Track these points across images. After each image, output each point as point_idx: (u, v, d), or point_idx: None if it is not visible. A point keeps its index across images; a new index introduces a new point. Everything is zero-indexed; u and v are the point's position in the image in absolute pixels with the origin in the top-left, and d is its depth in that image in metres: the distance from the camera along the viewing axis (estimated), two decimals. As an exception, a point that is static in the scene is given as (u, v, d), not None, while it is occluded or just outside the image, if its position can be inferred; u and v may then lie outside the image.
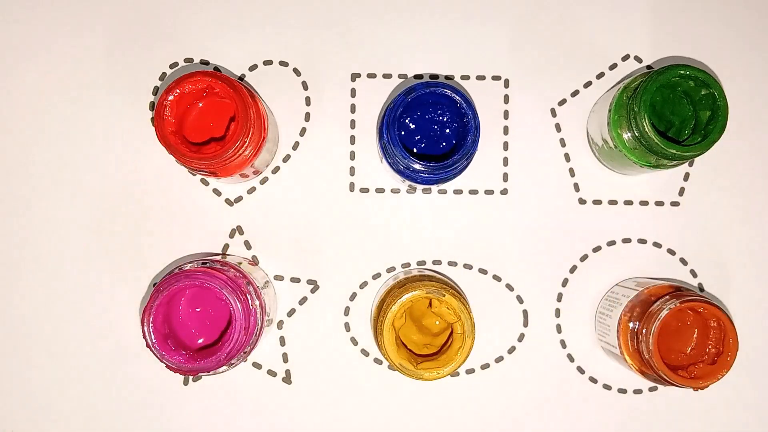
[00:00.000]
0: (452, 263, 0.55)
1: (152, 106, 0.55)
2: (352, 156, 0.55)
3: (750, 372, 0.54)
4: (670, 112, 0.50)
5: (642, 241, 0.55)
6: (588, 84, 0.56)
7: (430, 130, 0.51)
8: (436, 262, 0.55)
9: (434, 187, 0.55)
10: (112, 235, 0.55)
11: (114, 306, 0.54)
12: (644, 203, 0.55)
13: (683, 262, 0.55)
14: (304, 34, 0.55)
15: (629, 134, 0.49)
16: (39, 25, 0.55)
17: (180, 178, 0.55)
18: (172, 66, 0.55)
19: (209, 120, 0.50)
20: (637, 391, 0.55)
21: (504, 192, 0.55)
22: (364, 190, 0.55)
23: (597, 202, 0.55)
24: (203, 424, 0.54)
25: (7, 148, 0.55)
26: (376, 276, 0.55)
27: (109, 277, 0.55)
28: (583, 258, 0.55)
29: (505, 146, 0.55)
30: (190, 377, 0.54)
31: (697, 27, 0.56)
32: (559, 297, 0.55)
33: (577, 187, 0.55)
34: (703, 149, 0.47)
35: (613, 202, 0.55)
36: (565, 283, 0.55)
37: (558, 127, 0.55)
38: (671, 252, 0.55)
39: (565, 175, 0.55)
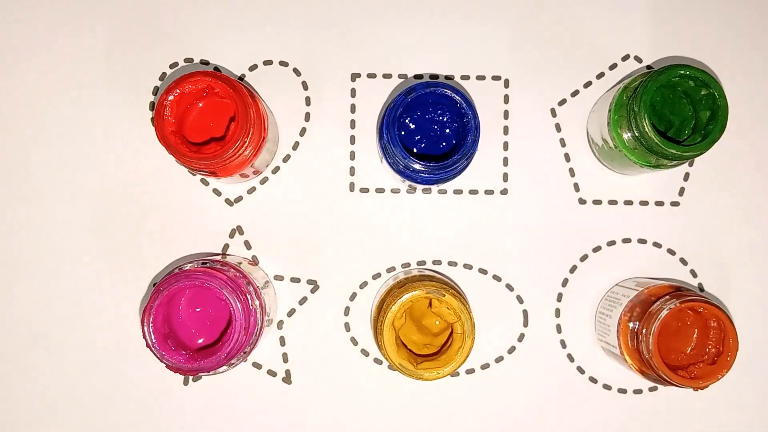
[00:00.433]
0: (452, 263, 0.55)
1: (152, 106, 0.55)
2: (352, 156, 0.55)
3: (750, 372, 0.54)
4: (670, 112, 0.50)
5: (642, 241, 0.55)
6: (588, 84, 0.56)
7: (430, 130, 0.51)
8: (436, 262, 0.55)
9: (434, 187, 0.55)
10: (112, 235, 0.55)
11: (114, 306, 0.54)
12: (644, 203, 0.55)
13: (683, 262, 0.55)
14: (304, 34, 0.55)
15: (629, 134, 0.49)
16: (39, 25, 0.55)
17: (180, 178, 0.55)
18: (172, 66, 0.55)
19: (209, 120, 0.50)
20: (637, 391, 0.55)
21: (504, 192, 0.55)
22: (364, 190, 0.55)
23: (597, 202, 0.55)
24: (203, 424, 0.54)
25: (7, 148, 0.55)
26: (376, 276, 0.55)
27: (109, 277, 0.55)
28: (583, 258, 0.55)
29: (505, 146, 0.55)
30: (190, 377, 0.54)
31: (697, 27, 0.56)
32: (559, 297, 0.55)
33: (577, 187, 0.55)
34: (703, 149, 0.47)
35: (613, 202, 0.55)
36: (565, 283, 0.55)
37: (558, 127, 0.55)
38: (671, 252, 0.55)
39: (565, 175, 0.55)
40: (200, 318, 0.50)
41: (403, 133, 0.50)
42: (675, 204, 0.55)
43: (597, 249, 0.55)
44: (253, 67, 0.55)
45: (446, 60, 0.55)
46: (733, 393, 0.54)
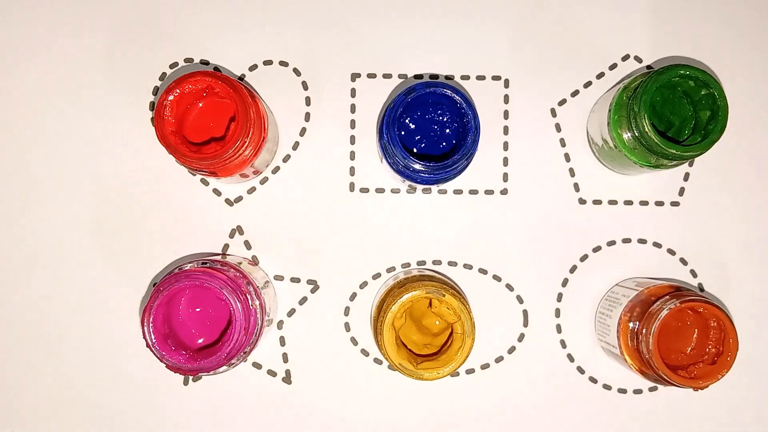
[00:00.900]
0: (452, 263, 0.55)
1: (152, 106, 0.55)
2: (352, 156, 0.55)
3: (750, 372, 0.54)
4: (670, 112, 0.50)
5: (642, 241, 0.55)
6: (588, 84, 0.56)
7: (430, 130, 0.51)
8: (436, 262, 0.55)
9: (434, 187, 0.55)
10: (112, 235, 0.55)
11: (114, 306, 0.54)
12: (644, 203, 0.55)
13: (683, 262, 0.55)
14: (304, 34, 0.55)
15: (629, 134, 0.49)
16: (39, 25, 0.55)
17: (180, 178, 0.55)
18: (172, 66, 0.55)
19: (209, 120, 0.50)
20: (637, 391, 0.55)
21: (504, 192, 0.55)
22: (364, 190, 0.55)
23: (597, 202, 0.55)
24: (203, 424, 0.54)
25: (7, 148, 0.55)
26: (376, 276, 0.55)
27: (109, 277, 0.55)
28: (583, 258, 0.55)
29: (505, 146, 0.55)
30: (190, 377, 0.54)
31: (697, 27, 0.56)
32: (559, 297, 0.55)
33: (577, 187, 0.55)
34: (703, 149, 0.47)
35: (613, 202, 0.55)
36: (565, 283, 0.55)
37: (558, 127, 0.55)
38: (671, 252, 0.55)
39: (565, 175, 0.55)
40: (200, 318, 0.50)
41: (403, 133, 0.50)
42: (675, 204, 0.55)
43: (597, 249, 0.55)
44: (253, 67, 0.55)
45: (446, 60, 0.55)
46: (733, 393, 0.54)
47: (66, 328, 0.54)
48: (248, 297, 0.48)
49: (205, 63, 0.55)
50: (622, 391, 0.55)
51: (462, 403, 0.55)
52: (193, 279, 0.46)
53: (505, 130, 0.55)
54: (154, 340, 0.47)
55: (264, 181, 0.55)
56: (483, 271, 0.55)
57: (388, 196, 0.55)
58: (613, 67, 0.56)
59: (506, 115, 0.55)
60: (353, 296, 0.55)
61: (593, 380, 0.55)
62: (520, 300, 0.55)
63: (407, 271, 0.55)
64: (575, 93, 0.55)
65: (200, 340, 0.50)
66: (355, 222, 0.55)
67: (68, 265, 0.54)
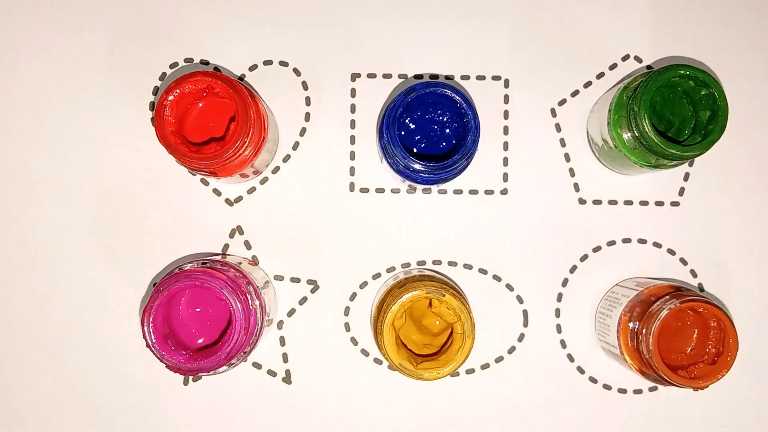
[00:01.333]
0: (452, 263, 0.55)
1: (152, 106, 0.55)
2: (352, 156, 0.55)
3: (750, 372, 0.54)
4: (670, 112, 0.50)
5: (642, 241, 0.55)
6: (588, 84, 0.56)
7: (430, 130, 0.51)
8: (436, 262, 0.55)
9: (434, 187, 0.55)
10: (112, 235, 0.55)
11: (114, 306, 0.54)
12: (644, 203, 0.55)
13: (683, 262, 0.55)
14: (304, 34, 0.55)
15: (629, 134, 0.49)
16: (39, 25, 0.55)
17: (180, 178, 0.55)
18: (172, 66, 0.55)
19: (209, 120, 0.50)
20: (637, 391, 0.55)
21: (504, 192, 0.55)
22: (364, 190, 0.55)
23: (597, 202, 0.55)
24: (203, 424, 0.54)
25: (7, 148, 0.55)
26: (376, 276, 0.55)
27: (109, 277, 0.55)
28: (583, 258, 0.55)
29: (505, 146, 0.55)
30: (190, 377, 0.54)
31: (697, 27, 0.56)
32: (559, 297, 0.55)
33: (577, 187, 0.55)
34: (703, 149, 0.47)
35: (613, 202, 0.55)
36: (565, 283, 0.55)
37: (558, 127, 0.55)
38: (671, 252, 0.55)
39: (565, 175, 0.55)
40: (200, 318, 0.50)
41: (403, 133, 0.50)
42: (675, 204, 0.55)
43: (597, 249, 0.55)
44: (253, 67, 0.55)
45: (446, 60, 0.55)
46: (733, 393, 0.54)
47: (66, 328, 0.54)
48: (248, 297, 0.48)
49: (205, 63, 0.55)
50: (622, 391, 0.55)
51: (462, 403, 0.55)
52: (193, 279, 0.46)
53: (505, 130, 0.55)
54: (154, 340, 0.47)
55: (264, 181, 0.55)
56: (483, 271, 0.55)
57: (388, 196, 0.55)
58: (613, 67, 0.56)
59: (506, 115, 0.55)
60: (353, 296, 0.55)
61: (593, 380, 0.55)
62: (520, 300, 0.55)
63: (407, 271, 0.55)
64: (575, 93, 0.55)
65: (200, 340, 0.50)
66: (355, 222, 0.55)
67: (68, 265, 0.54)
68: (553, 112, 0.56)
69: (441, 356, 0.48)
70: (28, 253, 0.55)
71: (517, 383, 0.55)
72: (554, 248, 0.55)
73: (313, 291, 0.55)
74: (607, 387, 0.55)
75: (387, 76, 0.55)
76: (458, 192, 0.55)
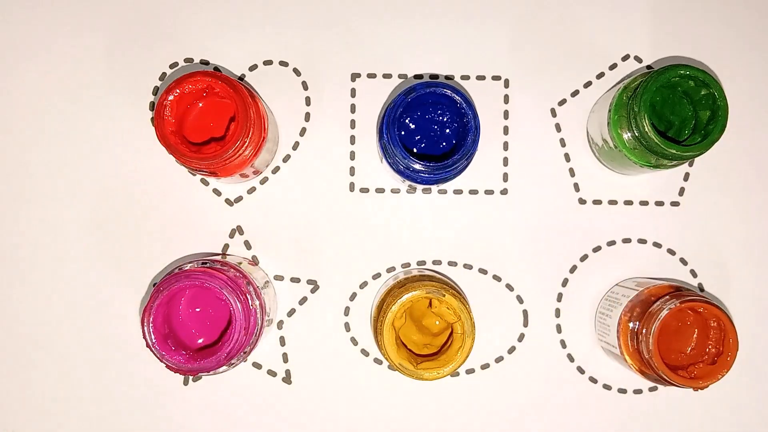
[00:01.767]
0: (452, 263, 0.55)
1: (152, 106, 0.55)
2: (352, 156, 0.55)
3: (750, 372, 0.54)
4: (670, 112, 0.50)
5: (642, 241, 0.55)
6: (588, 84, 0.56)
7: (430, 130, 0.51)
8: (436, 262, 0.55)
9: (434, 187, 0.55)
10: (112, 235, 0.55)
11: (114, 306, 0.54)
12: (644, 203, 0.55)
13: (683, 262, 0.55)
14: (304, 34, 0.55)
15: (629, 134, 0.49)
16: (39, 25, 0.55)
17: (180, 178, 0.55)
18: (172, 66, 0.55)
19: (209, 120, 0.50)
20: (637, 391, 0.55)
21: (504, 192, 0.55)
22: (364, 190, 0.55)
23: (597, 202, 0.55)
24: (203, 424, 0.54)
25: (7, 148, 0.55)
26: (376, 276, 0.55)
27: (109, 277, 0.55)
28: (583, 258, 0.55)
29: (505, 146, 0.55)
30: (190, 377, 0.54)
31: (697, 27, 0.56)
32: (559, 297, 0.55)
33: (577, 187, 0.55)
34: (703, 149, 0.47)
35: (613, 202, 0.55)
36: (565, 283, 0.55)
37: (558, 127, 0.55)
38: (671, 252, 0.55)
39: (565, 175, 0.55)
40: (200, 318, 0.50)
41: (403, 133, 0.50)
42: (675, 204, 0.55)
43: (597, 249, 0.55)
44: (253, 67, 0.55)
45: (446, 60, 0.55)
46: (733, 393, 0.54)
47: (66, 328, 0.54)
48: (248, 297, 0.48)
49: (205, 63, 0.55)
50: (622, 391, 0.55)
51: (462, 403, 0.55)
52: (193, 279, 0.46)
53: (505, 130, 0.55)
54: (154, 340, 0.47)
55: (264, 181, 0.55)
56: (483, 271, 0.55)
57: (388, 196, 0.55)
58: (613, 67, 0.56)
59: (506, 115, 0.55)
60: (353, 296, 0.55)
61: (593, 380, 0.55)
62: (520, 300, 0.55)
63: (407, 271, 0.55)
64: (575, 93, 0.55)
65: (200, 340, 0.50)
66: (355, 222, 0.55)
67: (68, 265, 0.54)
68: (553, 112, 0.56)
69: (441, 356, 0.48)
70: (28, 253, 0.55)
71: (517, 383, 0.55)
72: (554, 248, 0.55)
73: (313, 291, 0.55)
74: (607, 387, 0.55)
75: (387, 76, 0.55)
76: (458, 192, 0.55)
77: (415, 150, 0.51)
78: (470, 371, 0.55)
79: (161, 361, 0.46)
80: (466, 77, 0.55)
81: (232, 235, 0.55)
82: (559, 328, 0.55)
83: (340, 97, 0.55)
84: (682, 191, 0.55)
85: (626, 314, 0.50)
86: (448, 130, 0.51)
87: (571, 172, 0.55)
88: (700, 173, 0.55)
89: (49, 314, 0.55)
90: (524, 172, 0.55)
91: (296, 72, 0.55)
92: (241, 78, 0.55)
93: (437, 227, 0.55)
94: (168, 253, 0.55)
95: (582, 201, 0.55)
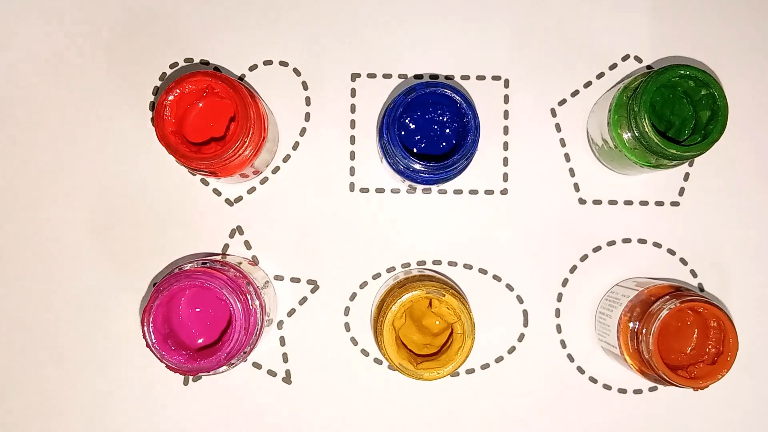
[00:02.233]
0: (452, 263, 0.55)
1: (152, 106, 0.55)
2: (352, 156, 0.55)
3: (750, 372, 0.54)
4: (670, 112, 0.50)
5: (642, 241, 0.55)
6: (588, 84, 0.56)
7: (430, 130, 0.51)
8: (436, 262, 0.55)
9: (434, 187, 0.55)
10: (112, 235, 0.55)
11: (114, 306, 0.54)
12: (644, 203, 0.55)
13: (683, 262, 0.55)
14: (304, 34, 0.55)
15: (629, 134, 0.49)
16: (39, 25, 0.55)
17: (180, 178, 0.55)
18: (172, 66, 0.55)
19: (209, 120, 0.50)
20: (637, 391, 0.55)
21: (504, 192, 0.55)
22: (364, 190, 0.55)
23: (597, 202, 0.55)
24: (203, 424, 0.54)
25: (8, 148, 0.55)
26: (376, 276, 0.55)
27: (109, 277, 0.55)
28: (583, 258, 0.55)
29: (505, 146, 0.55)
30: (190, 377, 0.54)
31: (697, 27, 0.56)
32: (559, 297, 0.55)
33: (577, 187, 0.55)
34: (703, 149, 0.47)
35: (613, 202, 0.55)
36: (565, 283, 0.55)
37: (558, 127, 0.55)
38: (671, 252, 0.55)
39: (565, 175, 0.55)
40: (200, 318, 0.50)
41: (403, 133, 0.50)
42: (675, 204, 0.55)
43: (597, 249, 0.55)
44: (253, 67, 0.55)
45: (446, 60, 0.55)
46: (733, 393, 0.54)
47: (66, 328, 0.54)
48: (248, 297, 0.48)
49: (205, 63, 0.55)
50: (622, 391, 0.55)
51: (462, 403, 0.55)
52: (193, 279, 0.46)
53: (505, 130, 0.55)
54: (154, 340, 0.47)
55: (264, 181, 0.55)
56: (483, 271, 0.55)
57: (388, 196, 0.55)
58: (613, 67, 0.56)
59: (506, 115, 0.55)
60: (353, 296, 0.55)
61: (593, 380, 0.55)
62: (520, 300, 0.55)
63: (407, 271, 0.55)
64: (575, 93, 0.55)
65: (200, 340, 0.50)
66: (355, 222, 0.55)
67: (68, 265, 0.54)
68: (553, 112, 0.56)
69: (441, 356, 0.48)
70: (28, 253, 0.55)
71: (517, 383, 0.55)
72: (554, 248, 0.55)
73: (313, 291, 0.55)
74: (607, 387, 0.55)
75: (387, 76, 0.55)
76: (458, 192, 0.55)
77: (415, 150, 0.51)
78: (470, 371, 0.55)
79: (161, 361, 0.46)
80: (466, 77, 0.55)
81: (232, 235, 0.55)
82: (559, 328, 0.55)
83: (340, 97, 0.55)
84: (682, 191, 0.55)
85: (626, 314, 0.50)
86: (448, 130, 0.51)
87: (571, 172, 0.55)
88: (700, 173, 0.55)
89: (49, 314, 0.55)
90: (524, 172, 0.55)
91: (296, 72, 0.55)
92: (241, 78, 0.55)
93: (437, 227, 0.55)
94: (168, 253, 0.55)
95: (582, 201, 0.55)
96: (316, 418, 0.54)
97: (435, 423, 0.55)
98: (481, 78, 0.55)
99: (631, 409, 0.55)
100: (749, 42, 0.55)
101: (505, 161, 0.55)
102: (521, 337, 0.55)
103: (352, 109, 0.55)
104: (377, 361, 0.55)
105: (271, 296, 0.53)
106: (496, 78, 0.55)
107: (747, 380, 0.54)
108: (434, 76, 0.55)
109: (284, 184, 0.55)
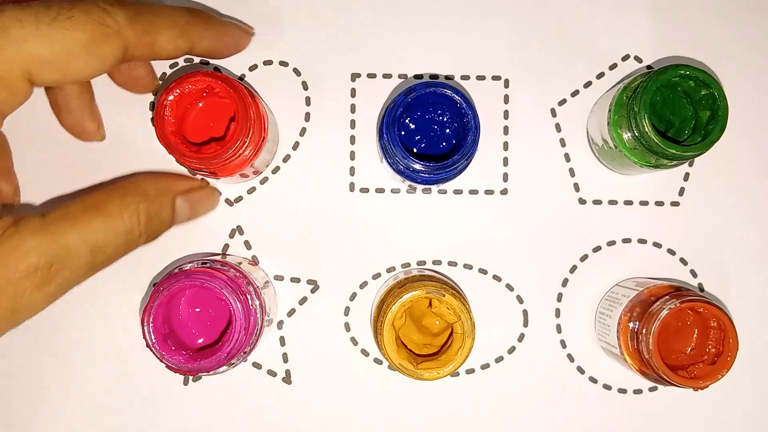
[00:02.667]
0: (452, 263, 0.55)
1: (152, 106, 0.55)
2: (352, 156, 0.55)
3: (750, 372, 0.54)
4: (670, 112, 0.50)
5: (642, 241, 0.55)
6: (588, 84, 0.56)
7: (430, 130, 0.51)
8: (436, 262, 0.55)
9: (434, 187, 0.55)
10: (112, 235, 0.54)
11: (114, 306, 0.54)
12: (644, 203, 0.55)
13: (683, 262, 0.55)
14: (304, 34, 0.55)
15: (629, 134, 0.49)
16: (39, 25, 0.55)
17: (180, 178, 0.55)
18: (172, 66, 0.55)
19: (209, 120, 0.50)
20: (637, 391, 0.55)
21: (504, 192, 0.55)
22: (364, 190, 0.55)
23: (597, 202, 0.55)
24: (203, 424, 0.54)
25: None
26: (376, 276, 0.55)
27: (109, 277, 0.54)
28: (583, 258, 0.55)
29: (505, 146, 0.55)
30: (190, 377, 0.54)
31: (697, 27, 0.56)
32: (559, 297, 0.55)
33: (577, 187, 0.55)
34: (703, 149, 0.47)
35: (613, 202, 0.55)
36: (565, 283, 0.55)
37: (558, 127, 0.55)
38: (671, 252, 0.55)
39: (565, 175, 0.55)
40: (200, 318, 0.50)
41: (403, 133, 0.50)
42: (675, 204, 0.55)
43: (597, 249, 0.55)
44: (253, 67, 0.55)
45: (446, 60, 0.55)
46: (733, 393, 0.54)
47: (66, 328, 0.54)
48: (248, 297, 0.48)
49: (205, 63, 0.55)
50: (622, 391, 0.55)
51: (462, 403, 0.55)
52: (193, 279, 0.46)
53: (505, 130, 0.55)
54: (154, 340, 0.47)
55: (264, 181, 0.55)
56: (483, 271, 0.55)
57: (388, 196, 0.55)
58: (613, 67, 0.56)
59: (506, 115, 0.55)
60: (353, 296, 0.55)
61: (593, 380, 0.55)
62: (520, 300, 0.55)
63: (407, 271, 0.55)
64: (575, 93, 0.55)
65: (200, 340, 0.50)
66: (355, 222, 0.55)
67: (68, 265, 0.54)
68: (553, 112, 0.55)
69: (441, 356, 0.48)
70: (28, 253, 0.54)
71: (517, 383, 0.55)
72: (554, 248, 0.55)
73: (313, 291, 0.55)
74: (607, 387, 0.55)
75: (387, 76, 0.55)
76: (458, 192, 0.55)
77: (415, 150, 0.51)
78: (470, 371, 0.55)
79: (161, 361, 0.46)
80: (466, 77, 0.55)
81: (232, 235, 0.55)
82: (559, 328, 0.55)
83: (340, 97, 0.55)
84: (682, 191, 0.55)
85: (626, 314, 0.50)
86: (448, 130, 0.51)
87: (571, 172, 0.55)
88: (700, 173, 0.55)
89: (49, 314, 0.54)
90: (524, 172, 0.55)
91: (296, 72, 0.55)
92: (241, 78, 0.55)
93: (437, 227, 0.55)
94: (168, 253, 0.55)
95: (582, 201, 0.55)
96: (316, 418, 0.54)
97: (435, 423, 0.55)
98: (481, 78, 0.55)
99: (631, 409, 0.55)
100: (749, 42, 0.55)
101: (505, 161, 0.55)
102: (521, 337, 0.55)
103: (352, 109, 0.55)
104: (377, 361, 0.55)
105: (271, 296, 0.53)
106: (496, 78, 0.55)
107: (747, 380, 0.54)
108: (434, 76, 0.55)
109: (284, 184, 0.55)
